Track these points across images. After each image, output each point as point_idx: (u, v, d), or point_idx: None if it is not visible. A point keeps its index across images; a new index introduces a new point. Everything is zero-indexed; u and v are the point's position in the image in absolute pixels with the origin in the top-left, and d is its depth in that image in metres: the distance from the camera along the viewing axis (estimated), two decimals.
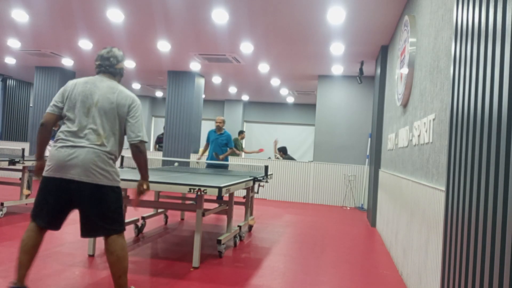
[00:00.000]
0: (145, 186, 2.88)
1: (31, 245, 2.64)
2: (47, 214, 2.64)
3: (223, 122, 7.45)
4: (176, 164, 6.54)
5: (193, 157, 10.05)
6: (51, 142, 6.70)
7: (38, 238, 2.66)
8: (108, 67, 2.85)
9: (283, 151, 10.52)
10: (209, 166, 7.40)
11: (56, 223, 2.68)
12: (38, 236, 2.66)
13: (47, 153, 6.50)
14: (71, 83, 2.79)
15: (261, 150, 11.63)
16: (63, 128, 2.71)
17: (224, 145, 7.42)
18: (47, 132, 2.73)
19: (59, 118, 2.77)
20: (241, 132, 11.47)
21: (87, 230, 2.68)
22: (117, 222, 2.70)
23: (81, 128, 2.66)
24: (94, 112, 2.68)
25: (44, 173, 2.67)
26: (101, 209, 2.63)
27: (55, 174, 2.61)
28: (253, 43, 7.13)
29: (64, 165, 2.60)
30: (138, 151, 2.74)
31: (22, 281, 2.63)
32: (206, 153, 7.81)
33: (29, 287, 3.02)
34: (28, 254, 2.63)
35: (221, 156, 7.32)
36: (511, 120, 1.43)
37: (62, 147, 2.64)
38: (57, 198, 2.62)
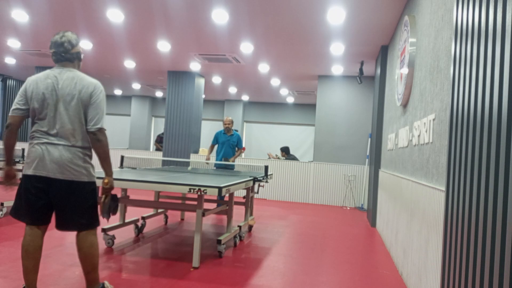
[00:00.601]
0: (106, 182, 2.71)
1: (32, 250, 2.63)
2: (32, 212, 2.63)
3: (232, 122, 7.39)
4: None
5: (193, 157, 10.05)
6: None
7: (37, 240, 2.65)
8: (64, 53, 2.72)
9: (285, 151, 10.53)
10: (219, 167, 7.35)
11: (43, 219, 2.66)
12: (36, 238, 2.65)
13: None
14: (30, 80, 2.69)
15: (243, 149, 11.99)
16: (34, 127, 2.66)
17: (235, 146, 7.38)
18: (13, 134, 2.67)
19: (23, 119, 2.70)
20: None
21: (61, 224, 2.67)
22: (90, 218, 2.68)
23: (51, 126, 2.62)
24: (60, 108, 2.62)
25: (24, 172, 2.66)
26: (74, 204, 2.62)
27: (32, 171, 2.61)
28: (253, 43, 7.13)
29: (39, 163, 2.60)
30: (96, 139, 2.64)
31: (33, 286, 2.64)
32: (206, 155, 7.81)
33: None
34: (32, 259, 2.63)
35: (231, 159, 7.24)
36: (511, 120, 1.43)
37: (36, 144, 2.63)
38: (36, 195, 2.61)
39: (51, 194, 2.62)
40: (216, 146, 7.62)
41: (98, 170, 9.06)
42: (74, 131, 2.63)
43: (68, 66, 2.75)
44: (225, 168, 7.25)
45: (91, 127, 2.64)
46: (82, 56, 2.84)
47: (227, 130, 7.31)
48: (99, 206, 2.78)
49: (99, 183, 3.30)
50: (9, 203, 5.67)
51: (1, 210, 5.55)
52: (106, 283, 2.88)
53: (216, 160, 7.30)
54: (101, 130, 2.65)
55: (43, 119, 2.64)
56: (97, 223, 2.74)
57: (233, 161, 7.29)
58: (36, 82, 2.67)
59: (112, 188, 2.76)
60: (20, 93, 2.70)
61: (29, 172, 2.62)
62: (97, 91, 2.68)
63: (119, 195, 7.69)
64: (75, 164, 2.62)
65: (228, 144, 7.30)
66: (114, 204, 2.85)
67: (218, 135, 7.37)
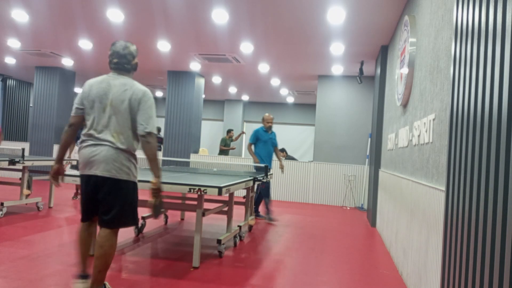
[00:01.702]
0: (154, 183, 2.82)
1: (84, 237, 2.89)
2: (84, 206, 2.86)
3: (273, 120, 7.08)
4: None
5: (193, 157, 10.05)
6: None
7: (89, 229, 2.90)
8: (125, 65, 2.91)
9: (285, 152, 10.63)
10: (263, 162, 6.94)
11: (94, 213, 2.87)
12: (88, 227, 2.90)
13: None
14: (87, 84, 2.88)
15: (243, 133, 12.59)
16: (85, 129, 2.84)
17: (275, 143, 7.10)
18: (73, 133, 2.90)
19: (82, 119, 2.90)
20: (229, 131, 11.60)
21: (100, 219, 2.82)
22: (129, 216, 2.83)
23: (100, 127, 2.79)
24: (110, 111, 2.78)
25: (79, 171, 2.87)
26: (115, 200, 2.77)
27: (83, 171, 2.81)
28: (253, 43, 7.13)
29: (88, 163, 2.77)
30: (145, 141, 2.78)
31: (85, 270, 2.86)
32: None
33: (29, 287, 3.02)
34: (84, 245, 2.89)
35: (280, 163, 6.85)
36: (511, 120, 1.43)
37: (86, 146, 2.80)
38: (87, 192, 2.81)
39: (98, 191, 2.78)
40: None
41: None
42: (120, 134, 2.79)
43: (124, 74, 2.93)
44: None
45: (141, 130, 2.78)
46: (137, 66, 3.04)
47: (269, 129, 6.93)
48: (149, 207, 2.88)
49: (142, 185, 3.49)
50: (9, 203, 5.67)
51: (1, 210, 5.55)
52: (107, 285, 2.91)
53: (261, 159, 6.82)
54: (151, 134, 2.79)
55: (93, 121, 2.81)
56: (136, 221, 2.89)
57: (283, 166, 6.90)
58: (91, 85, 2.86)
59: (160, 189, 2.84)
60: (78, 95, 2.90)
61: (81, 172, 2.82)
62: (146, 98, 2.83)
63: None
64: (119, 163, 2.76)
65: (271, 143, 6.94)
66: (161, 205, 2.91)
67: (259, 133, 6.89)
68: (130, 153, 2.82)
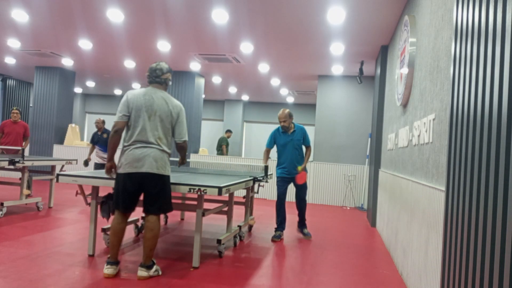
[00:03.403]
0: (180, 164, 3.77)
1: (119, 229, 3.43)
2: (125, 201, 3.39)
3: (290, 116, 5.25)
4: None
5: (193, 157, 10.05)
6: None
7: (123, 223, 3.45)
8: (155, 78, 3.52)
9: None
10: (287, 179, 5.37)
11: (132, 206, 3.45)
12: (123, 220, 3.45)
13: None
14: (131, 95, 3.43)
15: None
16: (130, 134, 3.40)
17: (301, 145, 5.41)
18: (119, 137, 3.39)
19: (126, 124, 3.43)
20: (228, 131, 11.64)
21: (147, 209, 3.43)
22: (168, 203, 3.49)
23: (146, 133, 3.37)
24: (155, 120, 3.40)
25: (121, 171, 3.38)
26: (160, 192, 3.40)
27: (131, 169, 3.34)
28: (253, 43, 7.13)
29: (137, 162, 3.34)
30: (181, 147, 3.58)
31: (116, 257, 3.42)
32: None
33: (29, 287, 3.02)
34: (117, 236, 3.42)
35: (302, 166, 5.36)
36: (511, 120, 1.43)
37: (135, 148, 3.37)
38: (133, 187, 3.37)
39: (144, 185, 3.37)
40: (270, 150, 5.53)
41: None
42: (162, 138, 3.43)
43: (159, 88, 3.55)
44: (291, 179, 5.37)
45: (179, 139, 3.54)
46: (169, 81, 3.60)
47: (286, 129, 5.29)
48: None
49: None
50: (9, 203, 5.67)
51: (1, 210, 5.55)
52: (154, 260, 3.49)
53: (283, 168, 5.35)
54: (185, 142, 3.58)
55: (140, 127, 3.37)
56: (171, 207, 3.55)
57: (304, 167, 5.38)
58: (137, 96, 3.43)
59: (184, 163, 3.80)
60: (123, 104, 3.42)
61: (128, 170, 3.35)
62: (182, 112, 3.56)
63: None
64: (162, 161, 3.40)
65: (292, 145, 5.29)
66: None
67: (276, 136, 5.36)
68: (168, 154, 3.48)
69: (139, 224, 5.57)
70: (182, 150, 3.61)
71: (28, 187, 6.35)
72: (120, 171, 3.40)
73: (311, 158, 9.52)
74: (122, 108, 3.41)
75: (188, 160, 5.87)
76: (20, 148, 5.85)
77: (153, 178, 3.36)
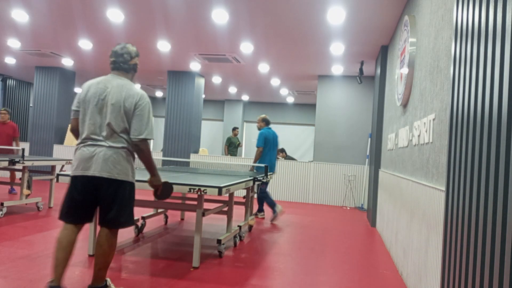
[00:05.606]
0: (150, 181, 2.94)
1: (66, 243, 2.70)
2: (76, 210, 2.74)
3: (262, 120, 6.01)
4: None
5: (193, 157, 10.05)
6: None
7: (73, 236, 2.74)
8: (122, 64, 2.89)
9: (284, 152, 10.66)
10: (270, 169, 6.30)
11: (87, 217, 2.80)
12: (72, 233, 2.74)
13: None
14: (85, 86, 2.86)
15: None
16: (81, 129, 2.82)
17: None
18: (75, 136, 2.90)
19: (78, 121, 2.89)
20: (234, 129, 11.65)
21: (100, 220, 2.79)
22: (126, 216, 2.79)
23: (97, 128, 2.75)
24: (106, 112, 2.75)
25: (71, 173, 2.79)
26: (115, 201, 2.73)
27: (77, 172, 2.74)
28: (253, 43, 7.13)
29: (85, 162, 2.72)
30: (138, 149, 2.77)
31: (59, 280, 2.66)
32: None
33: (29, 287, 3.02)
34: (64, 252, 2.69)
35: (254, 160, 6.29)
36: (511, 120, 1.43)
37: (84, 146, 2.77)
38: (80, 194, 2.73)
39: (97, 192, 2.74)
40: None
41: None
42: (117, 134, 2.75)
43: (122, 75, 2.90)
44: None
45: (134, 137, 2.75)
46: (137, 67, 2.94)
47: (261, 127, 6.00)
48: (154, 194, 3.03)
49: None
50: (9, 203, 5.67)
51: (1, 210, 5.55)
52: (109, 281, 2.92)
53: (269, 163, 6.00)
54: (143, 141, 2.76)
55: (90, 121, 2.77)
56: (133, 220, 2.86)
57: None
58: (89, 86, 2.83)
59: (158, 184, 2.97)
60: (75, 97, 2.87)
61: (77, 172, 2.74)
62: (142, 102, 2.78)
63: None
64: (117, 163, 2.73)
65: (275, 144, 6.00)
66: (168, 188, 3.06)
67: (267, 134, 5.86)
68: (127, 154, 2.79)
69: (139, 224, 5.57)
70: (141, 153, 2.77)
71: (28, 187, 6.35)
72: (71, 173, 2.81)
73: (311, 158, 9.53)
74: (74, 102, 2.87)
75: (188, 160, 5.88)
76: (11, 147, 5.86)
77: (105, 184, 2.71)
